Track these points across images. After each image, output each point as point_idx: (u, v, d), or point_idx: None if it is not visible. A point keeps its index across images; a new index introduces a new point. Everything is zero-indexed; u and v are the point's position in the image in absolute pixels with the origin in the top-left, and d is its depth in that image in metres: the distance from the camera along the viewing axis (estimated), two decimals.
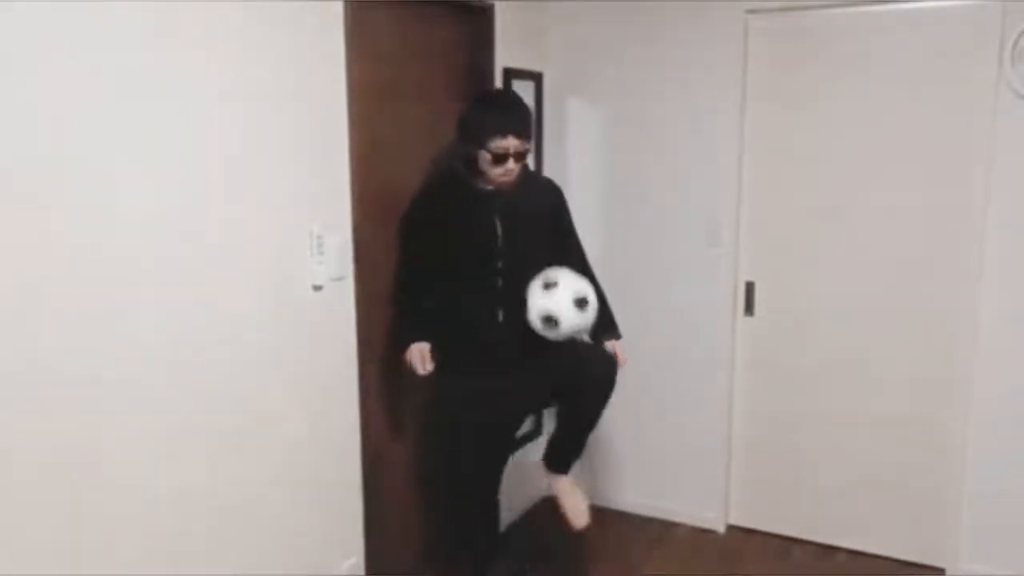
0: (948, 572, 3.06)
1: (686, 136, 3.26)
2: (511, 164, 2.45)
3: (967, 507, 2.99)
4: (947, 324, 2.96)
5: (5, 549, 1.57)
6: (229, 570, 2.08)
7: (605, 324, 2.67)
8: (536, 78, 3.39)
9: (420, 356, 2.53)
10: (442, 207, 2.57)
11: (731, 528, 3.46)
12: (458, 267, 2.55)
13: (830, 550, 3.26)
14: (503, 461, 2.78)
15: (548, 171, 3.48)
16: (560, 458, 2.76)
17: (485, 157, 2.43)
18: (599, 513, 3.55)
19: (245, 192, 2.06)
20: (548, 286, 2.45)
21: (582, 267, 2.68)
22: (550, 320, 2.42)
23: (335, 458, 2.45)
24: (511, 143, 2.42)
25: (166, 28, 1.80)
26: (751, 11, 3.10)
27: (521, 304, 2.49)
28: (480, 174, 2.49)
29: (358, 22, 2.37)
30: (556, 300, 2.43)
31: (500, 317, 2.54)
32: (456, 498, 2.77)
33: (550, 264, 2.56)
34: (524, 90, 3.29)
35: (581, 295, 2.46)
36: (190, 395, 1.94)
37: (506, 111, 2.50)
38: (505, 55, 3.14)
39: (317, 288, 2.31)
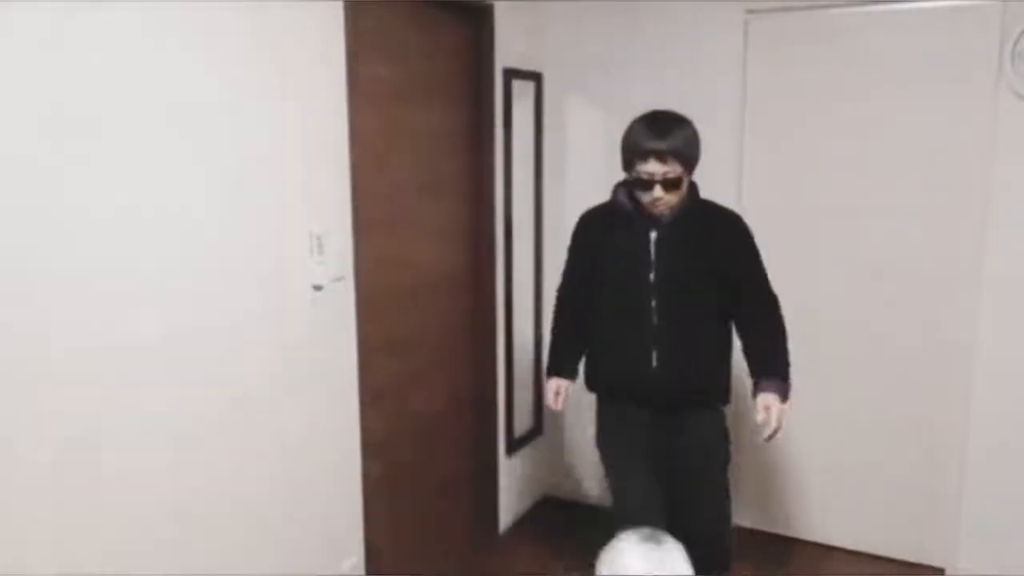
0: (947, 572, 3.06)
1: None
2: (657, 192, 2.29)
3: (967, 507, 2.99)
4: (947, 324, 2.96)
5: (5, 549, 1.57)
6: (229, 570, 2.07)
7: (769, 369, 2.43)
8: (536, 78, 3.38)
9: (555, 392, 2.60)
10: (599, 231, 2.50)
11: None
12: (612, 299, 2.46)
13: (830, 550, 3.26)
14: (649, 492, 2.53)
15: (547, 171, 3.48)
16: None
17: (634, 182, 2.34)
18: (600, 513, 3.56)
19: (245, 192, 2.05)
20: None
21: (766, 319, 2.49)
22: None
23: (335, 458, 2.45)
24: (654, 168, 2.26)
25: (164, 28, 1.80)
26: (751, 11, 3.10)
27: (678, 347, 2.36)
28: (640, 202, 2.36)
29: (358, 22, 2.37)
30: None
31: (654, 361, 2.41)
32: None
33: (716, 308, 2.41)
34: (524, 90, 3.30)
35: None
36: (190, 395, 1.94)
37: (650, 132, 2.28)
38: (505, 55, 3.13)
39: (317, 288, 2.31)
